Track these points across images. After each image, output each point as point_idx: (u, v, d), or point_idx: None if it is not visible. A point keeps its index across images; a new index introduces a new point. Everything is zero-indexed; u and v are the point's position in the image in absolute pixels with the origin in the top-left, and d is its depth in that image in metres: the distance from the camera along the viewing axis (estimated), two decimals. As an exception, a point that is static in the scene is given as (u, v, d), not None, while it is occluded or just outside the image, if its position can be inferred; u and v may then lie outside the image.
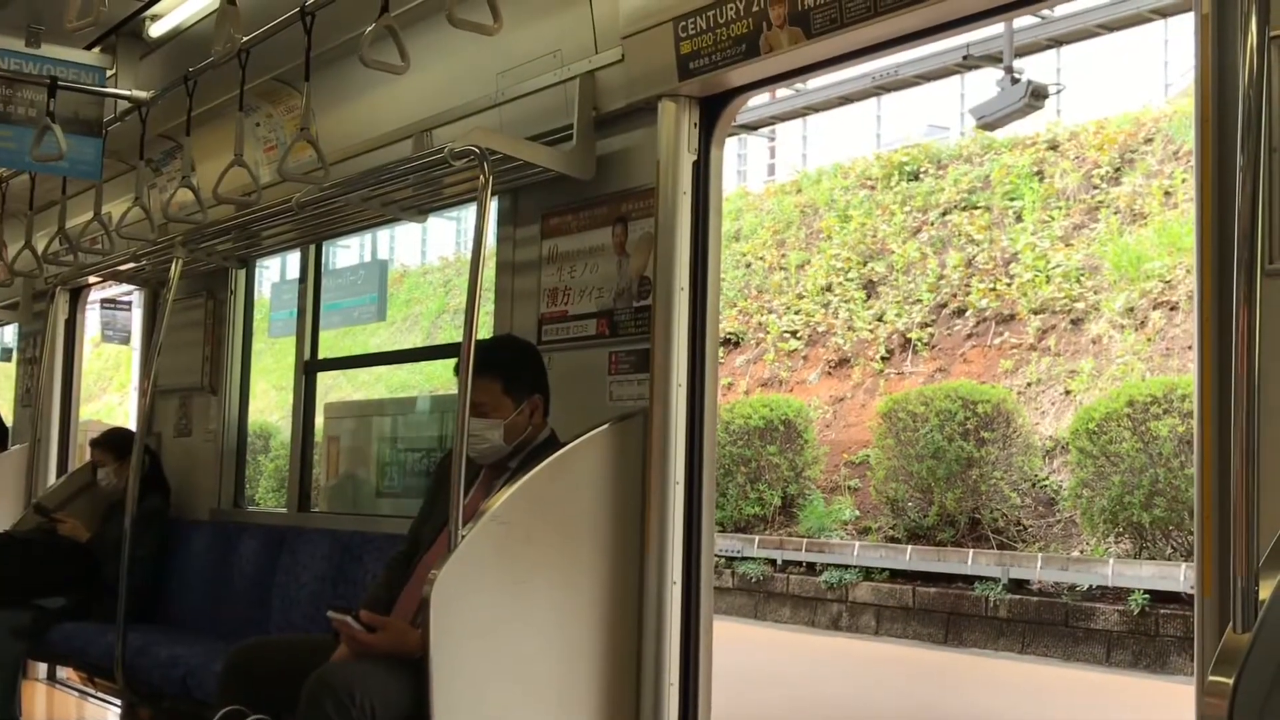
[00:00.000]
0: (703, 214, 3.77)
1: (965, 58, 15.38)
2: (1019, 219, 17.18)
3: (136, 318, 9.20)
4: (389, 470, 5.68)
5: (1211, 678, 1.77)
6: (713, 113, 3.79)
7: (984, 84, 15.39)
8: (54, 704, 6.91)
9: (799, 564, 14.78)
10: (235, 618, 5.36)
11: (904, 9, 3.09)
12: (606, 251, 4.03)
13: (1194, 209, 2.60)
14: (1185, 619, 10.99)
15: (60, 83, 5.32)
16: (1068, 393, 14.85)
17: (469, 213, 4.07)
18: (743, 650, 11.25)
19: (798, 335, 18.61)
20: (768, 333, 18.91)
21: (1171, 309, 14.28)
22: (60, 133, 5.19)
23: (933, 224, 18.13)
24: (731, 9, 3.46)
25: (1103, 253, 15.72)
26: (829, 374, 17.85)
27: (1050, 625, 12.22)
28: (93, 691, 6.55)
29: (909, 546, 14.01)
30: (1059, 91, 16.93)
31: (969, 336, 16.55)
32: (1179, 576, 11.34)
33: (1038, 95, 12.66)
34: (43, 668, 7.05)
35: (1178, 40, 20.34)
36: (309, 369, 5.77)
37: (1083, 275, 15.75)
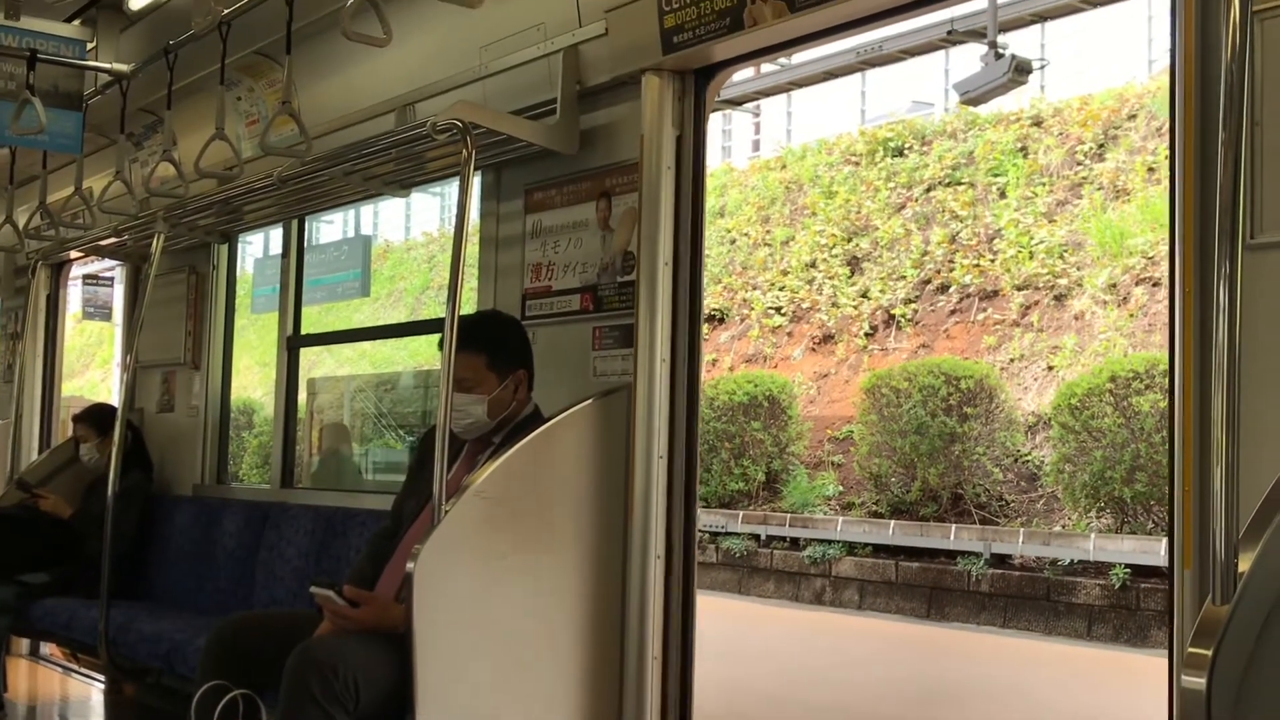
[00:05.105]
0: (687, 188, 3.77)
1: (949, 33, 15.34)
2: (1003, 195, 17.20)
3: (118, 294, 9.18)
4: (372, 446, 5.69)
5: (1190, 649, 1.78)
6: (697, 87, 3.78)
7: (968, 59, 15.37)
8: (37, 680, 6.91)
9: (782, 539, 14.83)
10: (219, 593, 5.36)
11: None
12: (590, 226, 4.03)
13: (1169, 184, 2.61)
14: (1166, 593, 11.06)
15: (40, 55, 5.28)
16: (1050, 368, 14.90)
17: (453, 188, 4.06)
18: (727, 623, 11.31)
19: (782, 311, 18.63)
20: (752, 309, 18.92)
21: (1154, 285, 14.32)
22: (40, 106, 5.15)
23: (917, 200, 18.14)
24: (715, -18, 3.45)
25: (1086, 229, 15.76)
26: (813, 350, 17.87)
27: (1032, 600, 12.28)
28: (76, 667, 6.54)
29: (892, 522, 14.06)
30: (1043, 67, 16.93)
31: (952, 312, 16.58)
32: (1160, 551, 11.40)
33: (1021, 70, 12.63)
34: (26, 644, 7.04)
35: (1161, 16, 20.34)
36: (292, 345, 5.75)
37: (1066, 251, 15.78)
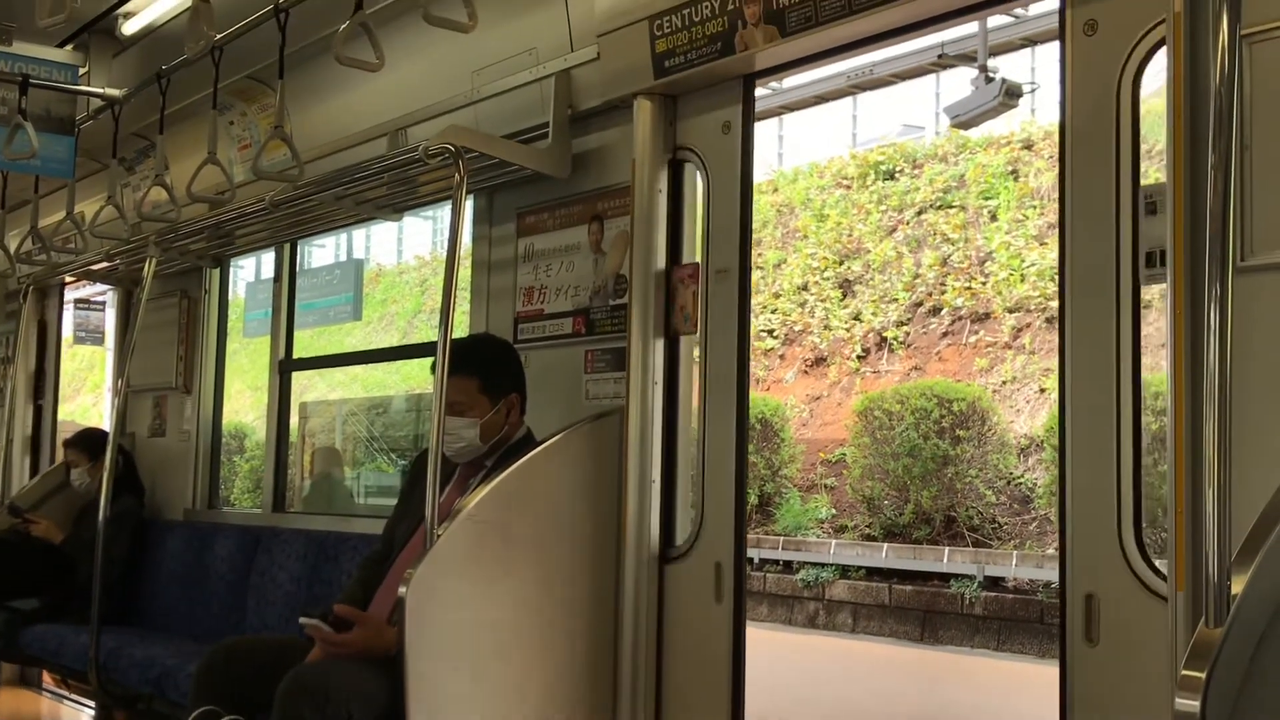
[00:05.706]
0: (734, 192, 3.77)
1: (940, 57, 15.42)
2: (994, 218, 17.25)
3: (110, 318, 9.16)
4: (364, 469, 5.67)
5: (1184, 672, 1.78)
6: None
7: (959, 83, 15.45)
8: (27, 706, 6.86)
9: (776, 562, 14.81)
10: (210, 618, 5.34)
11: (879, 7, 3.09)
12: (582, 250, 4.03)
13: (1058, 229, 2.62)
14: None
15: (32, 80, 5.30)
16: (1042, 391, 14.91)
17: (445, 212, 4.06)
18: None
19: (775, 334, 18.64)
20: (744, 332, 18.92)
21: (1145, 308, 14.34)
22: (32, 131, 5.16)
23: (908, 223, 18.18)
24: (706, 7, 3.46)
25: (1077, 251, 15.79)
26: (805, 373, 17.88)
27: (1025, 622, 12.26)
28: (67, 693, 6.50)
29: (885, 544, 14.05)
30: (1033, 90, 17.02)
31: (944, 335, 16.60)
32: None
33: (1012, 94, 12.70)
34: (16, 670, 7.00)
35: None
36: (284, 369, 5.75)
37: (1057, 274, 15.81)
